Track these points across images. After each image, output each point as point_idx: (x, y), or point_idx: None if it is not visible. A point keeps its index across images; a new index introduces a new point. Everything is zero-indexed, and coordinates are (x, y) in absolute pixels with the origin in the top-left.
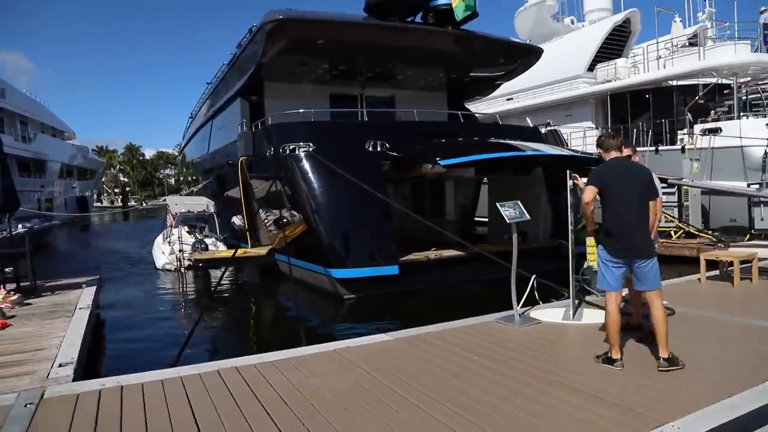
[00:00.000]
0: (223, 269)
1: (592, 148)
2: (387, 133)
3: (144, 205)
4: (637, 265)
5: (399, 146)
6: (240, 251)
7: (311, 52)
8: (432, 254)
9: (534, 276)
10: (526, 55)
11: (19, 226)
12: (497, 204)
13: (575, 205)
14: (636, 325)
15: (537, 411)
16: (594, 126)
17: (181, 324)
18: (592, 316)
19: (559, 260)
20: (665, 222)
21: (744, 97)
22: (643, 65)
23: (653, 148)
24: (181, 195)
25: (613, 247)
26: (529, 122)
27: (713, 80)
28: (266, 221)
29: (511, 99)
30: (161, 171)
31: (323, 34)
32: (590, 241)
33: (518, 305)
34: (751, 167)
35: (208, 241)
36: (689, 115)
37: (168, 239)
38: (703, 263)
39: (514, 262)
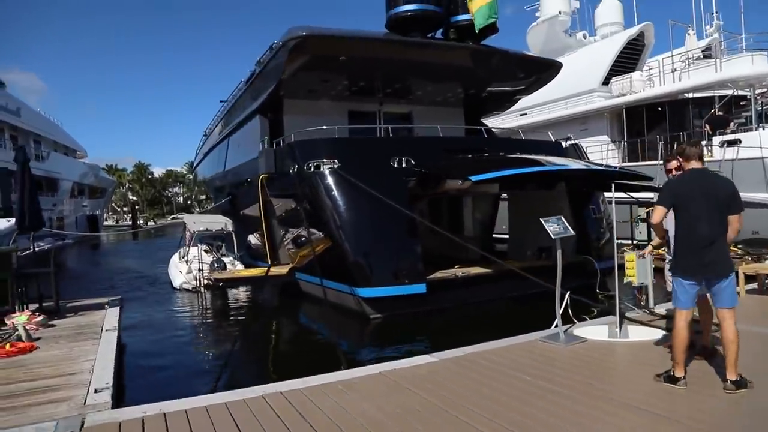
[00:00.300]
0: (242, 289)
1: (609, 162)
2: (412, 149)
3: (155, 223)
4: (712, 283)
5: (424, 162)
6: (260, 270)
7: (333, 68)
8: (459, 272)
9: (568, 293)
10: (546, 70)
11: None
12: (541, 219)
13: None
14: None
15: None
16: (609, 140)
17: (206, 347)
18: (638, 334)
19: (586, 276)
20: None
21: (759, 108)
22: (659, 78)
23: None
24: (196, 213)
25: (685, 265)
26: (551, 137)
27: (729, 92)
28: (285, 240)
29: (525, 114)
30: (170, 189)
31: (346, 50)
32: (629, 256)
33: (561, 323)
34: None
35: (225, 260)
36: (707, 127)
37: (185, 258)
38: (742, 277)
39: (558, 279)
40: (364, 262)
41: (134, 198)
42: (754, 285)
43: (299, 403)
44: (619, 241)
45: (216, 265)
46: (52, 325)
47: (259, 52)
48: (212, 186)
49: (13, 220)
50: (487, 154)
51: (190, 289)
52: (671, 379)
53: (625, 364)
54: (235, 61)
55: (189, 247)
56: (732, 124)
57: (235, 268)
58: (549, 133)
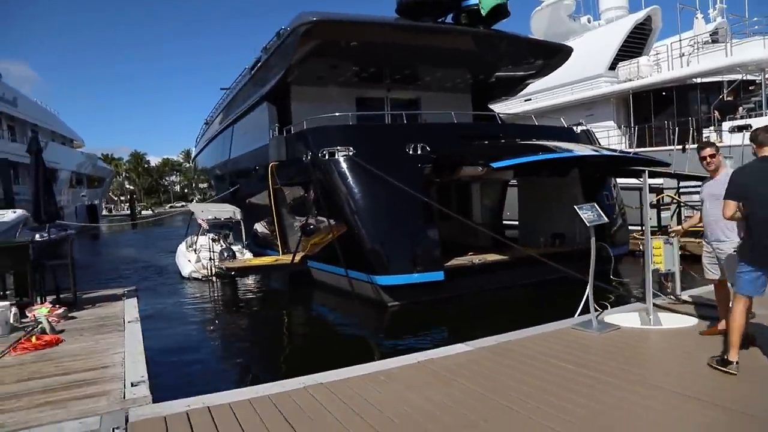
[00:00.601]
0: (251, 277)
1: (616, 147)
2: (427, 135)
3: (153, 212)
4: None
5: (440, 149)
6: (271, 259)
7: (343, 54)
8: (476, 259)
9: (590, 279)
10: (557, 54)
11: (36, 235)
12: (575, 207)
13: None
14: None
15: (662, 421)
16: (615, 125)
17: (225, 338)
18: (670, 321)
19: (600, 262)
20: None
21: (766, 93)
22: (668, 63)
23: (680, 147)
24: (196, 202)
25: (750, 254)
26: (564, 122)
27: (738, 77)
28: (296, 228)
29: (530, 100)
30: (167, 178)
31: (357, 35)
32: (656, 243)
33: (594, 310)
34: None
35: (234, 248)
36: (716, 113)
37: (192, 247)
38: None
39: (591, 267)
40: (382, 249)
41: (131, 187)
42: None
43: (345, 396)
44: (630, 227)
45: (226, 254)
46: (73, 317)
47: (256, 40)
48: (214, 174)
49: (19, 212)
50: (503, 140)
51: (200, 278)
52: (724, 362)
53: (663, 350)
54: (232, 48)
55: (198, 236)
56: (740, 109)
57: (244, 256)
58: (561, 119)
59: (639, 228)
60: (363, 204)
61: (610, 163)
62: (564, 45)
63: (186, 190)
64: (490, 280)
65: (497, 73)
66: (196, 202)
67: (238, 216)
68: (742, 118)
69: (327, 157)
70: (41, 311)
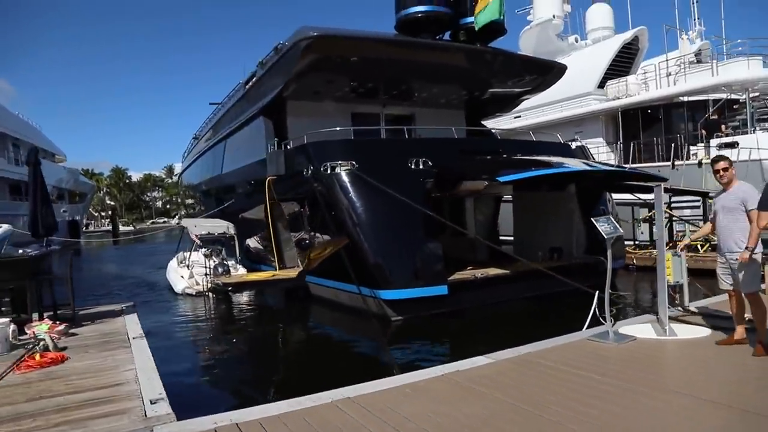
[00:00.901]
0: (246, 293)
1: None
2: (428, 150)
3: (134, 228)
4: None
5: (440, 163)
6: (268, 274)
7: (342, 69)
8: (478, 273)
9: (597, 293)
10: (551, 72)
11: (20, 251)
12: (593, 219)
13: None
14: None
15: (690, 426)
16: (605, 142)
17: (229, 355)
18: (684, 331)
19: (598, 276)
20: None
21: (751, 111)
22: (656, 82)
23: (669, 163)
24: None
25: None
26: (560, 138)
27: (724, 96)
28: (293, 243)
29: (519, 117)
30: (148, 194)
31: (357, 51)
32: (667, 255)
33: (610, 322)
34: None
35: (228, 264)
36: (703, 131)
37: (184, 263)
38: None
39: (608, 279)
40: (385, 264)
41: (112, 203)
42: None
43: (377, 410)
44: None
45: (220, 270)
46: (74, 334)
47: (238, 55)
48: (203, 190)
49: (5, 226)
50: (505, 155)
51: (194, 294)
52: None
53: (682, 359)
54: (217, 64)
55: (191, 251)
56: (723, 127)
57: (238, 272)
58: (558, 135)
59: (631, 242)
60: (366, 218)
61: (609, 177)
62: (558, 63)
63: (168, 206)
64: (492, 294)
65: (493, 90)
66: (183, 217)
67: (232, 231)
68: (728, 135)
69: (329, 171)
70: (41, 328)
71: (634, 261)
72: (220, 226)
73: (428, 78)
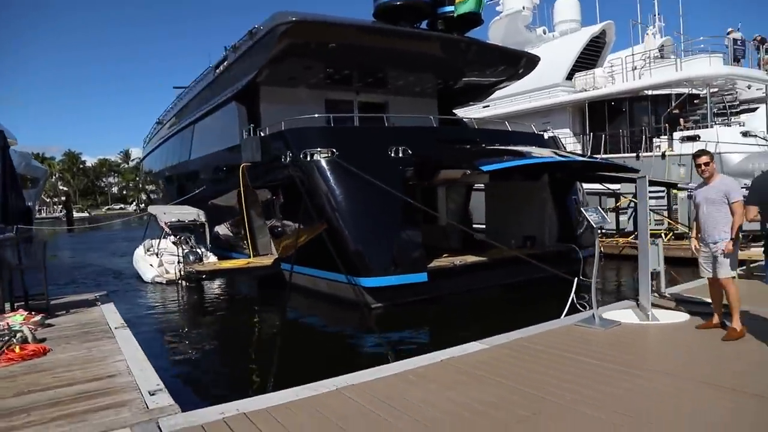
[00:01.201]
0: (217, 282)
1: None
2: (408, 138)
3: (89, 214)
4: None
5: (419, 152)
6: (243, 261)
7: (319, 55)
8: (457, 260)
9: (576, 279)
10: (525, 63)
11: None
12: (582, 209)
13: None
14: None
15: (688, 404)
16: (572, 133)
17: (212, 342)
18: (665, 317)
19: (570, 264)
20: (655, 224)
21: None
22: (622, 75)
23: (634, 155)
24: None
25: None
26: (534, 129)
27: (686, 90)
28: (266, 230)
29: (488, 106)
30: (104, 179)
31: (336, 37)
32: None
33: (596, 308)
34: (728, 172)
35: (199, 251)
36: (667, 124)
37: (151, 251)
38: None
39: (595, 267)
40: (366, 251)
41: (65, 188)
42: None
43: (384, 395)
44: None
45: (192, 257)
46: (50, 325)
47: (203, 37)
48: (168, 176)
49: None
50: (485, 145)
51: (164, 282)
52: None
53: (668, 343)
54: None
55: (160, 239)
56: (683, 121)
57: (209, 259)
58: (532, 125)
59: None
60: (346, 206)
61: (586, 168)
62: (533, 54)
63: (125, 192)
64: (470, 281)
65: (468, 79)
66: (146, 204)
67: (202, 218)
68: (689, 129)
69: (309, 158)
70: (16, 319)
71: (602, 249)
72: (190, 213)
73: (406, 66)
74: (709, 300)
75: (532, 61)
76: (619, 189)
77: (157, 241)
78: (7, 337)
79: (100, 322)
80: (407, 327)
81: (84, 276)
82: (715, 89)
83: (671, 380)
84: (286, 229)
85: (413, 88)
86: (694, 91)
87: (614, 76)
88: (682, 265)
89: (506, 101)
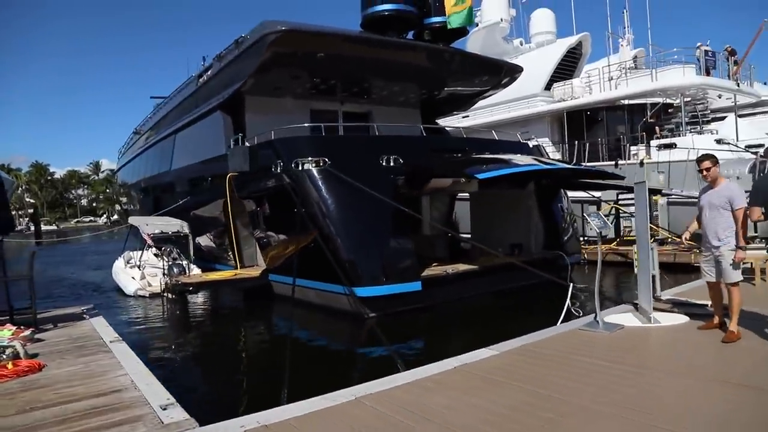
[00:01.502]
0: (200, 294)
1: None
2: (399, 147)
3: (57, 227)
4: None
5: (411, 161)
6: (230, 273)
7: (307, 65)
8: (449, 269)
9: (571, 285)
10: (511, 73)
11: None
12: (585, 215)
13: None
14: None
15: (703, 403)
16: (550, 142)
17: (204, 358)
18: (665, 319)
19: (558, 270)
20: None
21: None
22: (599, 85)
23: (612, 163)
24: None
25: None
26: (520, 137)
27: (660, 100)
28: (252, 240)
29: (467, 116)
30: (73, 191)
31: (325, 47)
32: (635, 247)
33: (600, 312)
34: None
35: (183, 263)
36: (644, 133)
37: (132, 263)
38: None
39: (598, 272)
40: (359, 260)
41: (32, 201)
42: None
43: (406, 403)
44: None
45: (176, 270)
46: (39, 339)
47: (178, 46)
48: (146, 187)
49: None
50: (476, 154)
51: (147, 296)
52: None
53: (674, 344)
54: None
55: (143, 251)
56: (658, 129)
57: (193, 271)
58: (518, 134)
59: (582, 238)
60: (339, 215)
61: (574, 175)
62: (516, 65)
63: (95, 204)
64: (462, 289)
65: (453, 89)
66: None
67: (186, 230)
68: (665, 137)
69: (301, 167)
70: (4, 333)
71: (585, 256)
72: (174, 225)
73: (394, 76)
74: (703, 302)
75: (515, 72)
76: (600, 196)
77: (138, 253)
78: None
79: (93, 336)
80: (405, 336)
81: (62, 290)
82: (688, 99)
83: (682, 379)
84: (274, 240)
85: (397, 98)
86: (668, 101)
87: (591, 87)
88: (666, 270)
89: (486, 111)
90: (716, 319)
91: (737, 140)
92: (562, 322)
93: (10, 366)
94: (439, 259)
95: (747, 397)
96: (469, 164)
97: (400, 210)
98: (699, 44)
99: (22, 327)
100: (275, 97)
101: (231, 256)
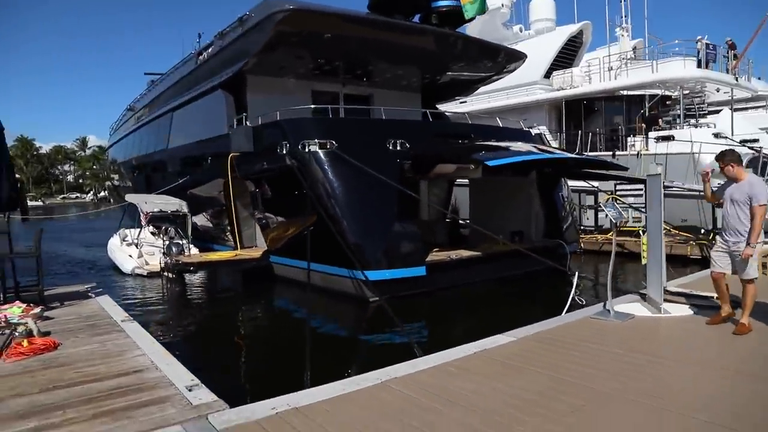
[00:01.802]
0: (199, 274)
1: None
2: (406, 132)
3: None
4: None
5: (416, 146)
6: (230, 254)
7: (312, 45)
8: (453, 254)
9: (576, 273)
10: (516, 60)
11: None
12: (601, 204)
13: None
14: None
15: (718, 388)
16: (548, 130)
17: (207, 340)
18: (674, 310)
19: (558, 258)
20: (633, 221)
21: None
22: (599, 75)
23: (610, 153)
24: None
25: None
26: (523, 125)
27: (659, 92)
28: (252, 221)
29: (465, 102)
30: (59, 167)
31: (333, 27)
32: (643, 239)
33: (611, 301)
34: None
35: (181, 243)
36: (643, 124)
37: (131, 241)
38: None
39: (612, 260)
40: (365, 244)
41: (17, 176)
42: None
43: (431, 386)
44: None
45: (174, 249)
46: (48, 318)
47: (171, 25)
48: (140, 165)
49: None
50: (482, 141)
51: (144, 274)
52: None
53: (687, 334)
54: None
55: (141, 229)
56: (660, 121)
57: (191, 251)
58: (521, 122)
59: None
60: (346, 198)
61: (578, 164)
62: (521, 52)
63: (81, 181)
64: (465, 275)
65: (457, 75)
66: (106, 193)
67: (185, 209)
68: (663, 129)
69: (308, 149)
70: (14, 311)
71: (582, 245)
72: (173, 204)
73: (399, 60)
74: (708, 294)
75: (520, 59)
76: (597, 187)
77: (134, 231)
78: (9, 331)
79: (102, 314)
80: (414, 320)
81: (57, 267)
82: (687, 91)
83: (699, 368)
84: (274, 221)
85: (399, 81)
86: (667, 93)
87: (591, 76)
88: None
89: (484, 97)
90: (724, 311)
91: (732, 134)
92: (567, 311)
93: (25, 344)
94: (438, 245)
95: (761, 388)
96: (475, 150)
97: (407, 194)
98: (699, 37)
99: (31, 305)
100: (277, 77)
101: (230, 236)
